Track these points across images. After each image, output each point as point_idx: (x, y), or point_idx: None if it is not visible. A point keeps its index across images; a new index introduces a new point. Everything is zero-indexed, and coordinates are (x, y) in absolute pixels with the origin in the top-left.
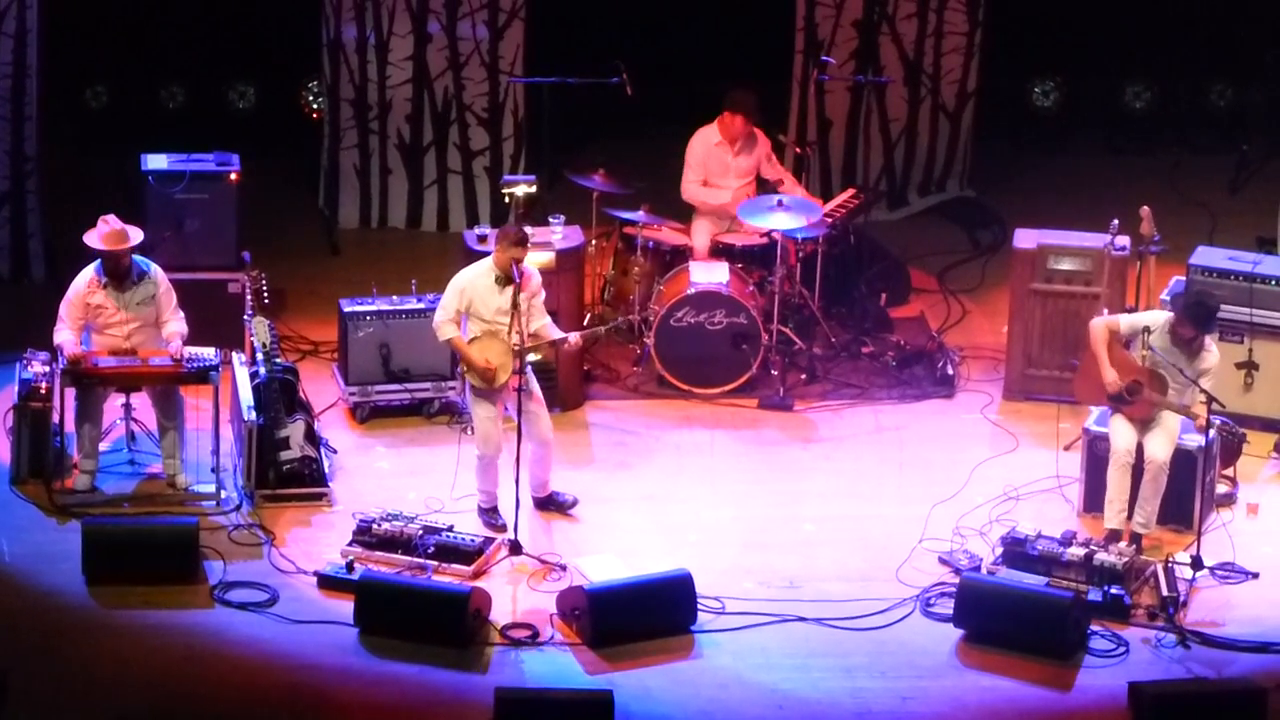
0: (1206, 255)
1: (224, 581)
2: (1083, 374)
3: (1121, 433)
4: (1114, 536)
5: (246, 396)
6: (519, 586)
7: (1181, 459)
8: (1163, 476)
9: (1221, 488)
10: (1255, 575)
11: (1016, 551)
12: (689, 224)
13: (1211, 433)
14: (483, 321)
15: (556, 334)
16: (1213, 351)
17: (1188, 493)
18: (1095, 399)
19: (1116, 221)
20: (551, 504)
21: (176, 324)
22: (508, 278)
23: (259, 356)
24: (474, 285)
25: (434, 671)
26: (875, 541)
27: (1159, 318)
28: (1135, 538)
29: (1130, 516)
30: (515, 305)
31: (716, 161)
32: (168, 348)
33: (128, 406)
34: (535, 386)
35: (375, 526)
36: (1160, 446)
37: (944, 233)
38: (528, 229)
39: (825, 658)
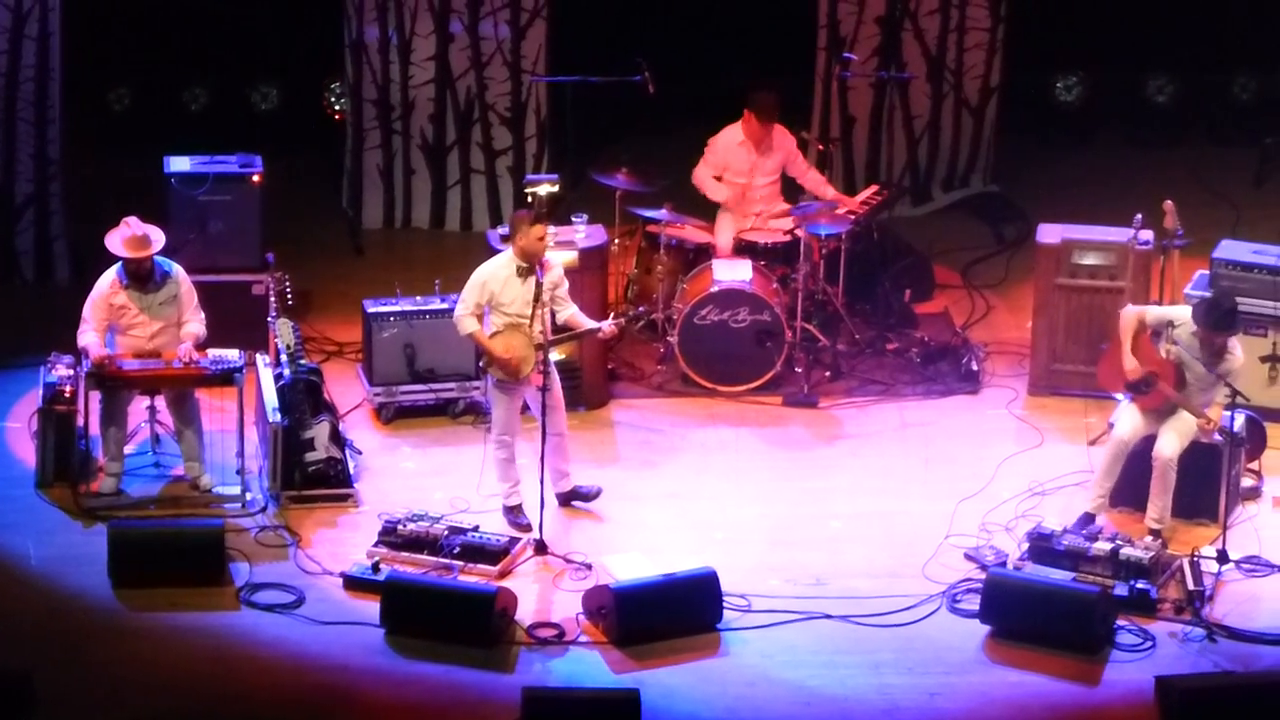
0: (1230, 249)
1: (250, 583)
2: (1107, 360)
3: (1128, 420)
4: (1087, 520)
5: (271, 398)
6: (545, 586)
7: (1207, 453)
8: (1170, 473)
9: (1247, 481)
10: None
11: (1043, 547)
12: (712, 222)
13: (1220, 436)
14: (504, 315)
15: (589, 323)
16: (1236, 354)
17: (1213, 486)
18: (1117, 386)
19: (1140, 216)
20: (575, 497)
21: (194, 325)
22: (529, 269)
23: (283, 358)
24: (495, 277)
25: (461, 671)
26: (901, 538)
27: (1184, 313)
28: (1155, 532)
29: (1112, 504)
30: (538, 297)
31: (738, 159)
32: (178, 349)
33: (152, 409)
34: (555, 382)
35: (401, 527)
36: (1169, 443)
37: (968, 228)
38: (550, 227)
39: (852, 654)
